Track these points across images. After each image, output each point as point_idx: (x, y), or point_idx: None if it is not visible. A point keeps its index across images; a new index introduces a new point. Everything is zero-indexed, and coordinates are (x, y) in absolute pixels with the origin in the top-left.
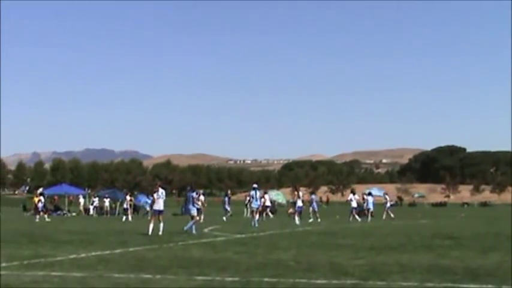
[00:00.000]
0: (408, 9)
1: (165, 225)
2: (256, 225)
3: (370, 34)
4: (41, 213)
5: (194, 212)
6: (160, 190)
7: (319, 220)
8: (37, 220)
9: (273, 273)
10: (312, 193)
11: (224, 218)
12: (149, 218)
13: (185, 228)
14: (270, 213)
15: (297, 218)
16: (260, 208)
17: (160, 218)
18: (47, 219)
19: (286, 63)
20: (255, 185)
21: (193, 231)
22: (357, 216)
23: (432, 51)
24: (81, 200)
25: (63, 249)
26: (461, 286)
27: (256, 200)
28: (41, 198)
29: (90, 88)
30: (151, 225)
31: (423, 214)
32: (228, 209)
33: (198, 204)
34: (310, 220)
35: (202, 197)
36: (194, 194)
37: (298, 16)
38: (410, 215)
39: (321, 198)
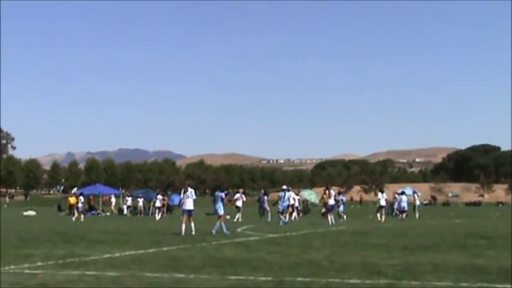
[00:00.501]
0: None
1: (198, 224)
2: (286, 221)
3: (399, 31)
4: (80, 213)
5: (221, 211)
6: (189, 190)
7: (343, 219)
8: (73, 220)
9: (306, 273)
10: (339, 193)
11: (268, 219)
12: (181, 217)
13: (213, 230)
14: (295, 214)
15: (331, 217)
16: (290, 208)
17: (191, 217)
18: (73, 219)
19: (319, 62)
20: (284, 187)
21: (225, 231)
22: (378, 215)
23: (468, 48)
24: (113, 200)
25: (97, 248)
26: (496, 286)
27: (284, 202)
28: (81, 198)
29: (124, 88)
30: (183, 225)
31: (457, 213)
32: (268, 208)
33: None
34: (340, 220)
35: (243, 197)
36: (223, 194)
37: (326, 12)
38: (444, 215)
39: (351, 198)
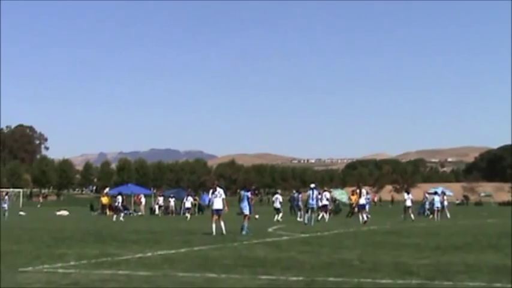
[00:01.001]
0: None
1: (229, 224)
2: (312, 223)
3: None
4: (119, 213)
5: (247, 211)
6: (218, 189)
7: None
8: (114, 219)
9: (338, 273)
10: (366, 193)
11: (303, 219)
12: (211, 217)
13: (243, 232)
14: (325, 213)
15: (362, 217)
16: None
17: (220, 217)
18: (114, 219)
19: (351, 61)
20: (312, 185)
21: (243, 231)
22: (402, 216)
23: (500, 45)
24: (142, 200)
25: (129, 248)
26: None
27: (313, 200)
28: (119, 198)
29: (156, 89)
30: (213, 225)
31: (490, 213)
32: (302, 207)
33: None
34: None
35: (280, 197)
36: (248, 194)
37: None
38: (476, 214)
39: (380, 198)
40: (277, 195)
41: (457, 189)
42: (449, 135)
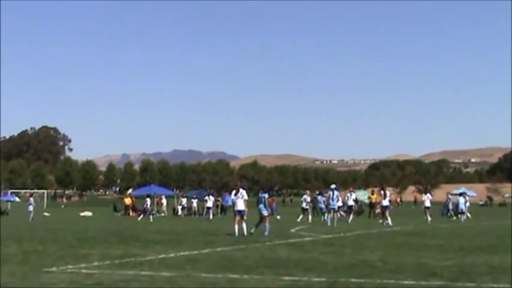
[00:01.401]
0: None
1: (252, 225)
2: (334, 224)
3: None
4: (148, 215)
5: (265, 212)
6: (241, 190)
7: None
8: (139, 219)
9: (360, 274)
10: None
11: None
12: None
13: (266, 233)
14: (350, 215)
15: (386, 218)
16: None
17: (243, 218)
18: (139, 219)
19: (373, 62)
20: (332, 186)
21: (251, 230)
22: (425, 217)
23: None
24: (164, 201)
25: (152, 249)
26: None
27: (333, 200)
28: (148, 199)
29: (178, 90)
30: (236, 226)
31: None
32: (324, 208)
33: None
34: (381, 221)
35: (308, 198)
36: (266, 195)
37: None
38: (500, 215)
39: (401, 198)
40: (305, 196)
41: (481, 190)
42: (473, 135)
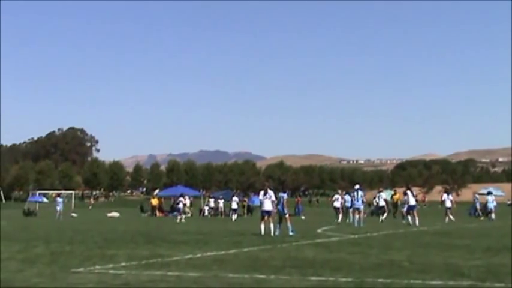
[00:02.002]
0: None
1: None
2: (361, 224)
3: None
4: (182, 214)
5: (286, 211)
6: (269, 191)
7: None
8: (178, 221)
9: (387, 274)
10: (404, 193)
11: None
12: (260, 218)
13: (290, 233)
14: (381, 215)
15: (416, 219)
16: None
17: (270, 219)
18: (178, 220)
19: (399, 61)
20: (356, 186)
21: (276, 232)
22: (451, 217)
23: None
24: (187, 202)
25: (179, 249)
26: None
27: (358, 201)
28: (181, 199)
29: (205, 91)
30: (262, 226)
31: None
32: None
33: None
34: (404, 221)
35: (340, 198)
36: (285, 195)
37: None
38: None
39: (424, 197)
40: (336, 196)
41: (509, 190)
42: (500, 134)
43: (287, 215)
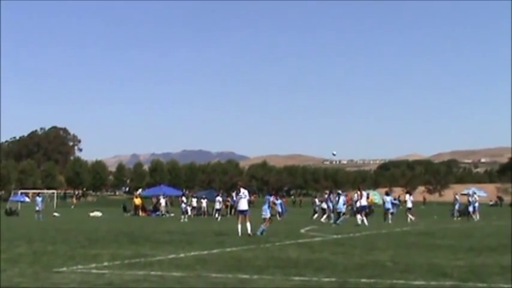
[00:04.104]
0: None
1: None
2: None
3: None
4: (183, 214)
5: (267, 214)
6: (242, 190)
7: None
8: (181, 220)
9: (370, 274)
10: (386, 194)
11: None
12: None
13: (258, 233)
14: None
15: (364, 219)
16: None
17: (246, 218)
18: (181, 220)
19: (380, 62)
20: (339, 191)
21: (258, 232)
22: (411, 216)
23: None
24: (162, 201)
25: (162, 249)
26: None
27: (339, 204)
28: (183, 199)
29: (187, 90)
30: (239, 226)
31: None
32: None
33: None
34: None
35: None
36: (271, 198)
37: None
38: (510, 216)
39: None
40: (316, 199)
41: (491, 190)
42: (483, 135)
43: (268, 217)
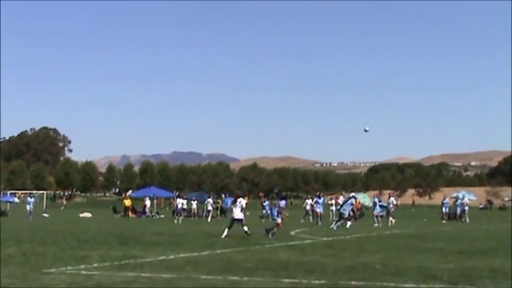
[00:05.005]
0: None
1: (252, 227)
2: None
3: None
4: (180, 215)
5: (278, 219)
6: (239, 200)
7: (380, 225)
8: (175, 221)
9: (361, 277)
10: (376, 196)
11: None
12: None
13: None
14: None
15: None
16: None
17: (241, 224)
18: (175, 222)
19: (372, 64)
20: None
21: (269, 235)
22: (391, 218)
23: None
24: (147, 202)
25: (152, 250)
26: None
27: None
28: (182, 200)
29: (178, 92)
30: (226, 230)
31: None
32: (322, 212)
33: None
34: (375, 225)
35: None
36: (282, 203)
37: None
38: (500, 219)
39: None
40: (307, 201)
41: (481, 194)
42: (473, 139)
43: (279, 221)
